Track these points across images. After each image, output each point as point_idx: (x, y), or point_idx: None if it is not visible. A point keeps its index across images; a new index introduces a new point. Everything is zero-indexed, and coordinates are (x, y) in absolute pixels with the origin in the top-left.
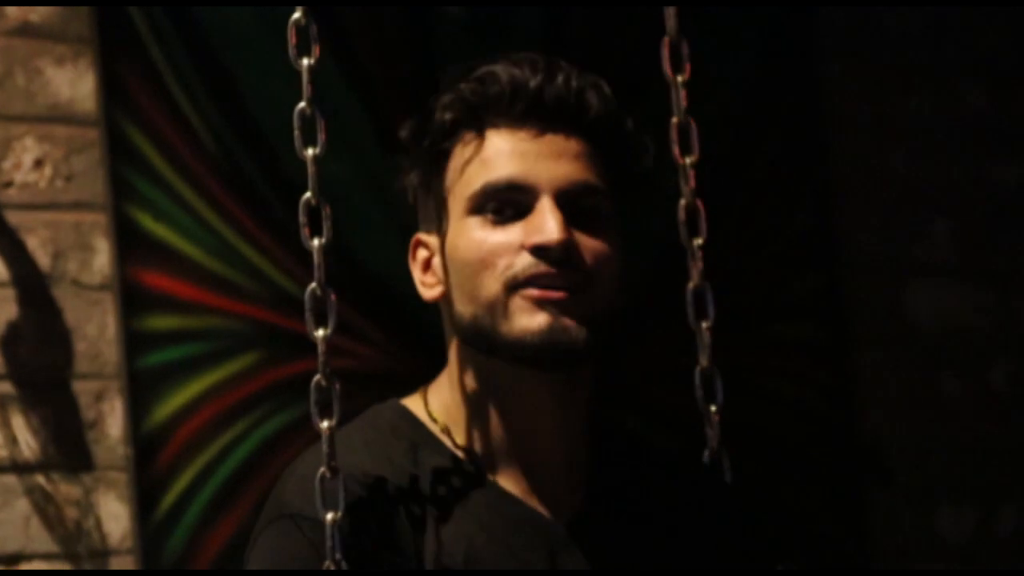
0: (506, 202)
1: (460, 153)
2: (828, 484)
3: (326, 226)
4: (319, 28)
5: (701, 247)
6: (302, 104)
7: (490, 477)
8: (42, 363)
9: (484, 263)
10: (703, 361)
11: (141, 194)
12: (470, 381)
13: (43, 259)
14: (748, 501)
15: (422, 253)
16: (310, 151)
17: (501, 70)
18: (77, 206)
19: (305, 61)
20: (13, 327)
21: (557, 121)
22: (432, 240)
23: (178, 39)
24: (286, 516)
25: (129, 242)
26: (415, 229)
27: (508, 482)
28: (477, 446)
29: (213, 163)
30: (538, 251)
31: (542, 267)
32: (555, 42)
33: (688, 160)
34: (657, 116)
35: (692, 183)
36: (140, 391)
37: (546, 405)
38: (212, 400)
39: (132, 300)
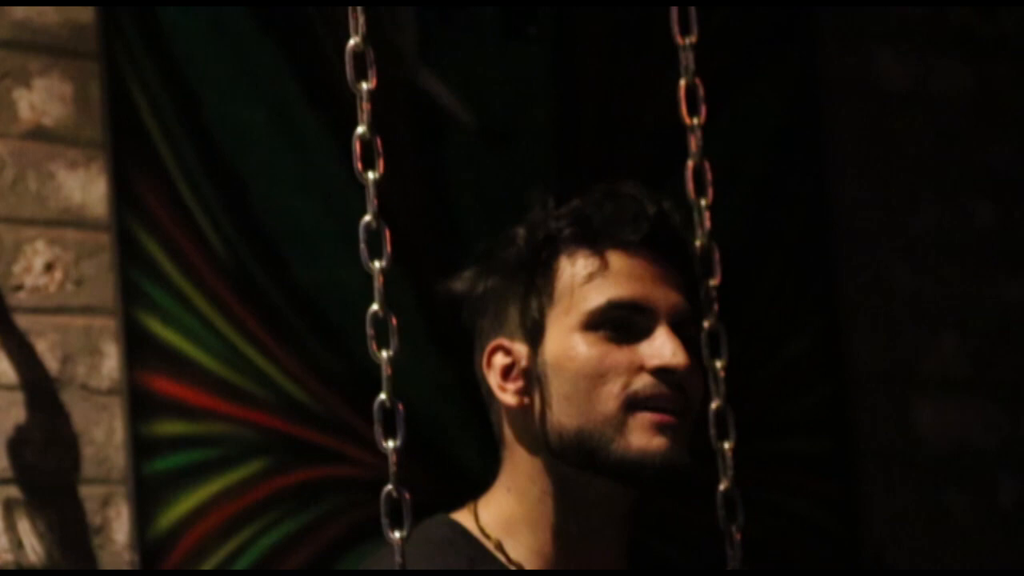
0: (626, 322)
1: (572, 267)
2: None
3: (393, 340)
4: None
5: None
6: (368, 218)
7: None
8: (49, 467)
9: (603, 379)
10: (724, 482)
11: (151, 299)
12: (540, 493)
13: (52, 363)
14: None
15: (501, 359)
16: (376, 264)
17: (623, 192)
18: (87, 310)
19: (371, 175)
20: (21, 430)
21: (666, 252)
22: (520, 348)
23: (190, 144)
24: None
25: (138, 347)
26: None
27: None
28: (533, 563)
29: (223, 269)
30: (662, 373)
31: (663, 389)
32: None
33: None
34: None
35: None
36: (147, 497)
37: (614, 519)
38: (218, 507)
39: (140, 405)
